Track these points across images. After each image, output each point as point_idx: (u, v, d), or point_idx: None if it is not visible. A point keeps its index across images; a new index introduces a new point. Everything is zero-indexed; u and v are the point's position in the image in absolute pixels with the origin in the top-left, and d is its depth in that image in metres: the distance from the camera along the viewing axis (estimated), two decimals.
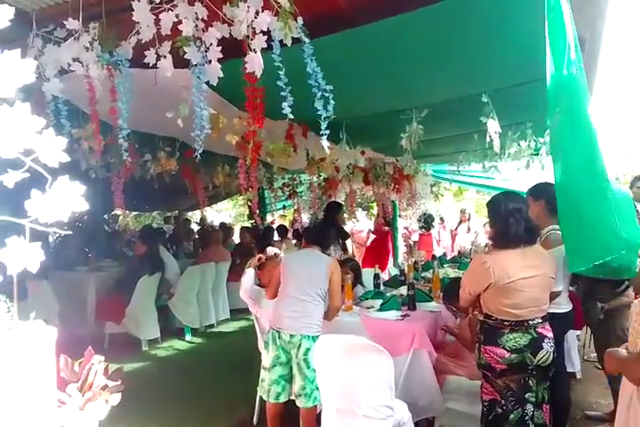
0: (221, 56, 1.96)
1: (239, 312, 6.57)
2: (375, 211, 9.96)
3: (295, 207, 7.42)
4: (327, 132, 1.93)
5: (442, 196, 12.63)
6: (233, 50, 1.91)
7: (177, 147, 4.89)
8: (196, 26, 1.90)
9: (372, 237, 9.38)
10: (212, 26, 1.93)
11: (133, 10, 1.90)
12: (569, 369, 3.85)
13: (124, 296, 5.40)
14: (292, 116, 1.90)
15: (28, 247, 0.96)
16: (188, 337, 5.96)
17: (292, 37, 1.84)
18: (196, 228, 10.92)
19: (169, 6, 1.89)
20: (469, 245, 7.49)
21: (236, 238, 8.98)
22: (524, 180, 5.22)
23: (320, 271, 3.01)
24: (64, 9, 2.25)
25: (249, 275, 3.49)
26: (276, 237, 8.36)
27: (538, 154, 4.96)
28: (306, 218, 7.66)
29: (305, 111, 1.93)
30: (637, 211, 3.20)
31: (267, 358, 3.02)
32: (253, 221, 7.67)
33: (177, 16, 1.88)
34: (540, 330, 2.44)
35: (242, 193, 4.41)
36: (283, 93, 1.88)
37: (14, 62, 0.91)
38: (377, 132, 4.76)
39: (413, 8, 2.27)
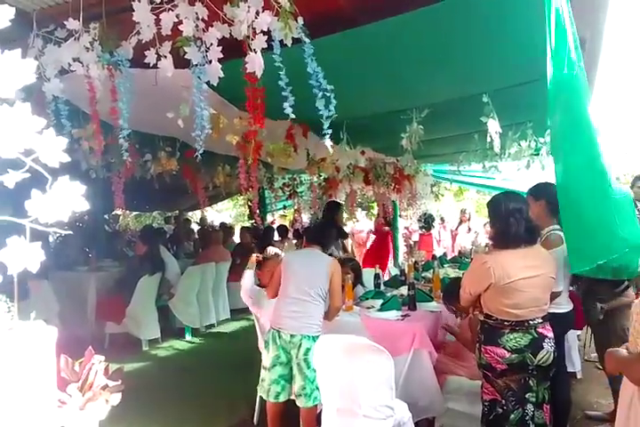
0: (222, 56, 1.96)
1: (239, 312, 6.57)
2: (375, 211, 9.97)
3: (295, 207, 7.42)
4: (330, 131, 1.93)
5: (442, 196, 12.63)
6: (233, 50, 1.91)
7: (177, 147, 4.90)
8: (197, 26, 1.90)
9: (373, 237, 9.39)
10: (212, 26, 1.93)
11: (134, 10, 1.90)
12: (569, 369, 3.86)
13: (125, 296, 5.40)
14: (293, 116, 1.90)
15: (28, 247, 0.96)
16: (189, 337, 5.97)
17: (292, 37, 1.84)
18: (196, 228, 10.92)
19: (169, 6, 1.89)
20: (470, 245, 7.49)
21: (237, 238, 8.97)
22: (525, 180, 5.21)
23: (321, 271, 3.01)
24: (64, 9, 2.25)
25: (248, 276, 3.49)
26: (276, 236, 8.36)
27: (538, 154, 4.96)
28: (306, 218, 7.67)
29: (305, 111, 1.93)
30: (638, 211, 3.20)
31: (267, 357, 3.03)
32: (253, 221, 7.67)
33: (177, 16, 1.88)
34: (540, 330, 2.44)
35: (242, 193, 4.42)
36: (284, 93, 1.88)
37: (15, 62, 0.91)
38: (377, 132, 4.76)
39: (414, 8, 2.27)
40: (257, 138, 2.25)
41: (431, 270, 4.90)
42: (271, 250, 5.75)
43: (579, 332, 4.45)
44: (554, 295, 2.63)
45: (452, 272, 5.20)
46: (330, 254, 3.49)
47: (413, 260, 5.61)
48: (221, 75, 1.99)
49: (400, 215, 8.54)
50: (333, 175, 5.47)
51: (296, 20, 1.82)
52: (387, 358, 2.40)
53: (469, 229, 8.89)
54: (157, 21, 1.90)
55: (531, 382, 2.45)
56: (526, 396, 2.45)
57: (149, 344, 5.53)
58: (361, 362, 2.43)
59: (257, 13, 1.79)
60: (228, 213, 18.13)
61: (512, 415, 2.44)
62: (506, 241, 2.47)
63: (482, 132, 3.94)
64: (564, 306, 2.92)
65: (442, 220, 9.77)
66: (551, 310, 2.57)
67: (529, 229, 2.47)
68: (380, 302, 3.78)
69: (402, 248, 8.91)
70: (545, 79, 2.20)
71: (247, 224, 10.19)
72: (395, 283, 4.81)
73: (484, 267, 2.43)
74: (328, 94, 1.87)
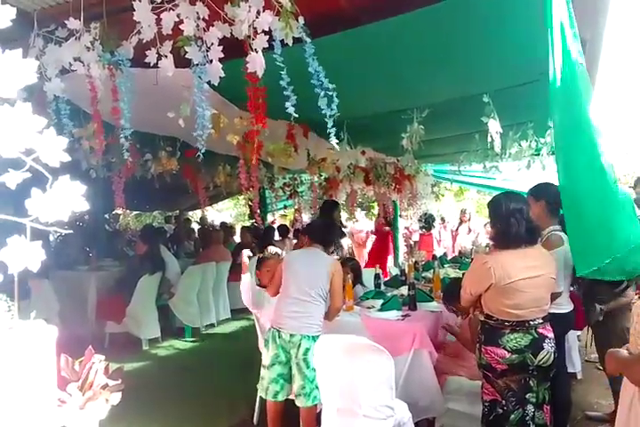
0: (222, 56, 1.96)
1: (240, 312, 6.57)
2: (376, 211, 9.97)
3: (296, 207, 7.43)
4: (333, 130, 1.93)
5: (443, 196, 12.65)
6: (234, 49, 1.91)
7: (178, 146, 4.90)
8: (197, 25, 1.90)
9: (372, 237, 9.40)
10: (213, 25, 1.93)
11: (134, 10, 1.90)
12: (570, 370, 3.85)
13: (125, 296, 5.40)
14: (296, 116, 1.90)
15: (28, 246, 0.96)
16: (189, 337, 5.97)
17: (293, 37, 1.84)
18: (196, 227, 10.92)
19: (170, 6, 1.89)
20: (470, 246, 7.49)
21: (237, 238, 8.98)
22: (525, 180, 5.21)
23: (321, 271, 3.01)
24: (65, 9, 2.25)
25: (245, 283, 3.46)
26: (277, 236, 8.37)
27: (539, 154, 4.96)
28: (307, 218, 7.66)
29: (306, 111, 1.93)
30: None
31: (266, 356, 3.03)
32: (254, 220, 7.67)
33: (178, 16, 1.88)
34: (540, 330, 2.44)
35: (243, 193, 4.42)
36: (285, 93, 1.88)
37: (16, 62, 0.91)
38: (378, 132, 4.77)
39: (414, 8, 2.27)
40: (258, 138, 2.24)
41: (431, 270, 4.89)
42: (271, 249, 5.75)
43: (579, 332, 4.45)
44: (554, 296, 2.63)
45: (453, 272, 5.20)
46: (332, 253, 3.48)
47: (414, 260, 5.61)
48: (222, 74, 2.00)
49: (400, 215, 8.55)
50: (334, 175, 5.48)
51: (297, 20, 1.82)
52: (387, 358, 2.40)
53: (470, 230, 8.89)
54: (158, 21, 1.90)
55: (531, 382, 2.45)
56: (526, 396, 2.45)
57: (149, 344, 5.53)
58: (361, 362, 2.43)
59: (258, 13, 1.79)
60: (228, 212, 18.14)
61: (512, 416, 2.44)
62: (506, 241, 2.47)
63: (482, 132, 3.95)
64: (564, 306, 2.92)
65: (442, 220, 9.77)
66: (552, 311, 2.57)
67: (529, 229, 2.47)
68: (381, 302, 3.78)
69: (402, 248, 8.91)
70: (545, 79, 2.20)
71: (247, 224, 10.20)
72: (395, 283, 4.81)
73: (484, 267, 2.43)
74: (330, 93, 1.87)
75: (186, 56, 1.93)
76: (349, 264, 4.17)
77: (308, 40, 1.86)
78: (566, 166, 2.25)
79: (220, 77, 2.01)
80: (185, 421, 3.56)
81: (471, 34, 2.62)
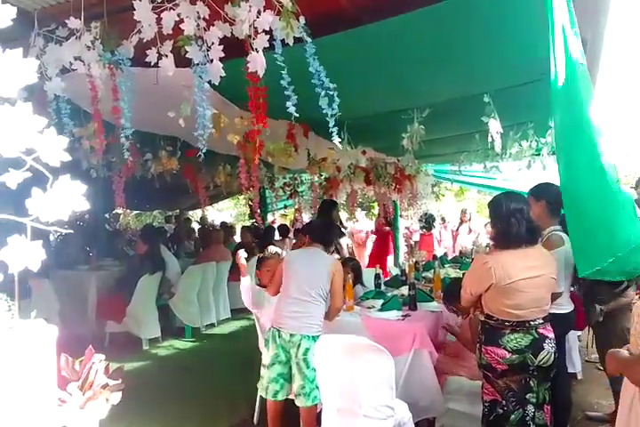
0: (223, 55, 1.96)
1: (240, 312, 6.57)
2: (376, 211, 9.98)
3: (296, 207, 7.43)
4: (336, 129, 1.93)
5: (443, 196, 12.64)
6: (234, 49, 1.91)
7: (178, 146, 4.90)
8: (198, 25, 1.90)
9: (372, 237, 9.41)
10: (213, 25, 1.93)
11: (135, 9, 1.90)
12: (570, 370, 3.85)
13: (125, 295, 5.40)
14: (297, 115, 1.90)
15: (29, 246, 0.96)
16: (189, 336, 5.96)
17: (294, 37, 1.84)
18: (197, 227, 10.93)
19: (170, 5, 1.89)
20: (471, 246, 7.49)
21: (238, 238, 8.98)
22: (526, 180, 5.21)
23: (322, 271, 3.01)
24: (66, 8, 2.25)
25: (245, 285, 3.45)
26: (277, 236, 8.37)
27: (539, 154, 4.96)
28: (307, 217, 7.67)
29: (306, 111, 1.93)
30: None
31: (266, 356, 3.03)
32: (254, 220, 7.68)
33: (178, 15, 1.88)
34: (541, 331, 2.44)
35: (243, 192, 4.42)
36: (286, 93, 1.88)
37: (16, 62, 0.91)
38: (378, 132, 4.77)
39: (415, 8, 2.27)
40: (259, 137, 2.24)
41: (432, 270, 4.89)
42: (271, 249, 5.74)
43: (579, 332, 4.45)
44: (555, 296, 2.63)
45: (453, 272, 5.20)
46: (333, 253, 3.48)
47: (414, 260, 5.61)
48: (223, 74, 1.99)
49: (401, 215, 8.54)
50: (334, 175, 5.48)
51: (298, 20, 1.82)
52: (387, 357, 2.40)
53: (470, 230, 8.89)
54: (158, 20, 1.90)
55: (531, 382, 2.45)
56: (527, 396, 2.45)
57: (150, 343, 5.53)
58: (361, 362, 2.43)
59: (258, 13, 1.79)
60: (228, 212, 18.14)
61: (512, 416, 2.44)
62: (507, 241, 2.46)
63: (483, 132, 3.94)
64: (564, 306, 2.92)
65: (443, 220, 9.77)
66: (552, 311, 2.57)
67: (530, 229, 2.46)
68: (381, 301, 3.77)
69: (402, 248, 8.91)
70: (546, 79, 2.19)
71: (248, 224, 10.20)
72: (395, 283, 4.81)
73: (484, 267, 2.42)
74: (331, 93, 1.87)
75: (186, 55, 1.93)
76: (350, 264, 4.17)
77: (309, 40, 1.86)
78: (567, 166, 2.25)
79: (221, 77, 2.01)
80: (185, 420, 3.56)
81: (472, 33, 2.62)
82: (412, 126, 3.98)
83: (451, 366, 3.21)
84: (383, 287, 4.53)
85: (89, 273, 5.89)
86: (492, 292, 2.44)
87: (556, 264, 2.56)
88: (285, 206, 10.73)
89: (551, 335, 2.47)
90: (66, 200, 0.97)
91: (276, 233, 8.49)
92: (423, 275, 5.14)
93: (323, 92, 1.88)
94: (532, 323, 2.43)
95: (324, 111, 1.91)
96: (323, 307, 3.01)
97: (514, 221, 2.44)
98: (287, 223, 9.75)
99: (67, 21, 2.15)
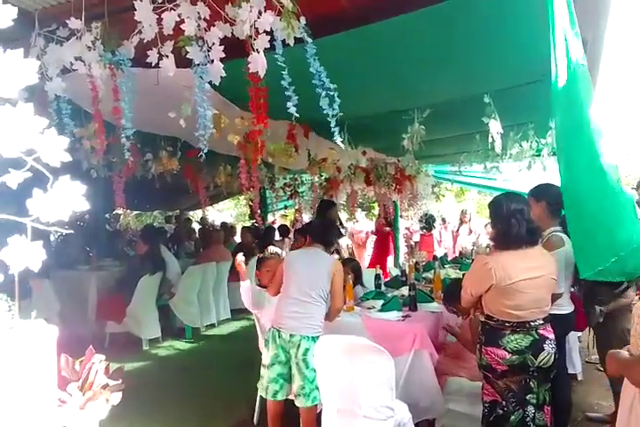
0: (224, 56, 1.96)
1: (240, 312, 6.57)
2: (376, 211, 9.98)
3: (296, 207, 7.44)
4: (337, 129, 1.93)
5: (443, 196, 12.63)
6: (235, 49, 1.91)
7: (179, 146, 4.91)
8: (199, 25, 1.90)
9: (372, 237, 9.42)
10: (214, 25, 1.93)
11: (135, 9, 1.90)
12: (570, 371, 3.85)
13: (125, 296, 5.40)
14: (297, 115, 1.90)
15: (29, 246, 0.96)
16: (189, 337, 5.96)
17: (294, 37, 1.84)
18: (197, 227, 10.92)
19: (171, 6, 1.89)
20: (471, 246, 7.49)
21: (238, 238, 8.98)
22: (526, 181, 5.21)
23: (322, 272, 3.01)
24: (66, 8, 2.25)
25: (245, 287, 3.46)
26: (277, 236, 8.37)
27: (539, 155, 4.96)
28: (307, 218, 7.67)
29: (307, 111, 1.93)
30: None
31: (266, 356, 3.04)
32: (254, 220, 7.68)
33: (179, 16, 1.88)
34: (541, 331, 2.44)
35: (243, 193, 4.42)
36: (287, 93, 1.88)
37: (17, 62, 0.91)
38: (379, 132, 4.77)
39: (416, 8, 2.27)
40: (259, 138, 2.24)
41: (432, 271, 4.89)
42: (271, 249, 5.74)
43: (579, 333, 4.44)
44: (555, 297, 2.62)
45: (453, 273, 5.19)
46: (333, 253, 3.48)
47: (414, 260, 5.61)
48: (223, 74, 1.99)
49: (401, 216, 8.55)
50: (334, 175, 5.48)
51: (298, 20, 1.82)
52: (387, 358, 2.40)
53: (470, 231, 8.89)
54: (159, 21, 1.90)
55: (531, 383, 2.45)
56: (527, 397, 2.45)
57: (150, 344, 5.53)
58: (361, 363, 2.43)
59: (259, 13, 1.79)
60: (229, 212, 18.14)
61: (512, 417, 2.44)
62: (507, 242, 2.46)
63: (483, 132, 3.95)
64: (565, 307, 2.92)
65: (443, 220, 9.77)
66: (552, 312, 2.57)
67: (530, 230, 2.46)
68: (381, 302, 3.77)
69: (403, 249, 8.91)
70: (547, 80, 2.20)
71: (248, 224, 10.20)
72: (395, 283, 4.81)
73: (485, 268, 2.42)
74: (332, 93, 1.87)
75: (187, 56, 1.93)
76: (350, 264, 4.17)
77: (310, 40, 1.86)
78: (567, 167, 2.25)
79: (221, 77, 2.01)
80: (185, 421, 3.56)
81: (473, 34, 2.62)
82: (412, 127, 3.98)
83: (451, 366, 3.21)
84: (383, 288, 4.53)
85: (89, 273, 5.88)
86: (492, 292, 2.44)
87: (557, 265, 2.56)
88: (286, 207, 10.73)
89: (551, 336, 2.47)
90: (66, 200, 0.97)
91: (277, 233, 8.48)
92: (423, 275, 5.14)
93: (323, 93, 1.88)
94: (532, 324, 2.43)
95: (325, 112, 1.91)
96: (323, 307, 3.01)
97: (514, 222, 2.44)
98: (287, 224, 9.75)
99: (67, 22, 2.15)
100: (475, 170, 6.17)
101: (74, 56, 2.20)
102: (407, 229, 9.33)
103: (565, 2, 2.05)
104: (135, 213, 13.34)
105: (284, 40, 1.83)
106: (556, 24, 2.05)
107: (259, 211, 5.94)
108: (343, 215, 7.72)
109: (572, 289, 3.22)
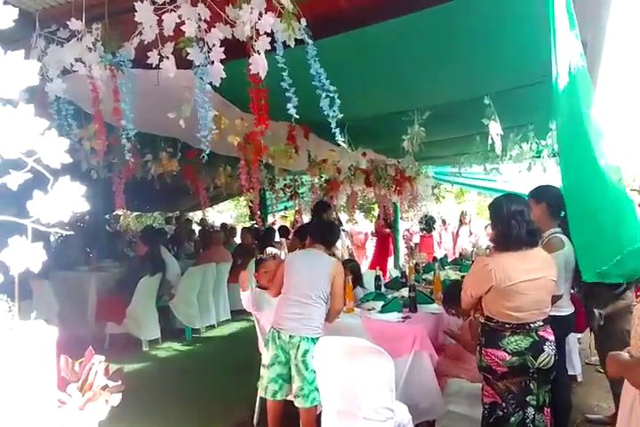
0: (224, 57, 1.96)
1: (240, 313, 6.57)
2: (376, 213, 9.99)
3: (296, 208, 7.43)
4: (338, 130, 1.93)
5: (443, 198, 12.64)
6: (235, 50, 1.91)
7: (179, 147, 4.90)
8: (199, 27, 1.90)
9: (372, 238, 9.42)
10: (214, 27, 1.93)
11: (136, 11, 1.90)
12: (570, 372, 3.85)
13: (125, 296, 5.40)
14: (297, 117, 1.90)
15: (30, 247, 0.96)
16: (189, 338, 5.96)
17: (295, 39, 1.84)
18: (197, 228, 10.92)
19: (171, 7, 1.89)
20: (471, 248, 7.49)
21: (238, 239, 8.98)
22: (526, 182, 5.21)
23: (322, 273, 3.01)
24: (67, 9, 2.25)
25: (245, 296, 3.48)
26: (277, 237, 8.36)
27: (539, 156, 4.96)
28: (307, 219, 7.67)
29: (307, 112, 1.93)
30: None
31: (266, 356, 3.04)
32: (254, 221, 7.68)
33: (180, 17, 1.88)
34: (541, 333, 2.44)
35: (243, 194, 4.42)
36: (287, 95, 1.88)
37: (18, 63, 0.91)
38: (379, 133, 4.77)
39: (415, 10, 2.27)
40: (259, 139, 2.25)
41: (432, 272, 4.89)
42: (269, 251, 5.74)
43: (579, 335, 4.44)
44: (555, 299, 2.62)
45: (453, 274, 5.20)
46: (333, 254, 3.48)
47: (414, 262, 5.61)
48: (224, 75, 1.99)
49: (401, 217, 8.55)
50: (334, 177, 5.48)
51: (299, 22, 1.82)
52: (387, 359, 2.40)
53: (470, 233, 8.90)
54: (160, 22, 1.90)
55: (531, 385, 2.44)
56: (527, 399, 2.44)
57: (149, 345, 5.53)
58: (361, 364, 2.43)
59: (260, 15, 1.79)
60: (229, 213, 18.14)
61: (512, 418, 2.43)
62: (507, 243, 2.46)
63: (483, 134, 3.95)
64: (565, 309, 2.92)
65: (443, 222, 9.77)
66: (552, 313, 2.56)
67: (530, 231, 2.46)
68: (381, 303, 3.78)
69: (402, 250, 8.92)
70: (547, 81, 2.20)
71: (248, 225, 10.20)
72: (395, 285, 4.81)
73: (485, 269, 2.42)
74: (332, 95, 1.87)
75: (187, 57, 1.93)
76: (349, 266, 4.17)
77: (310, 42, 1.86)
78: (569, 168, 2.25)
79: (222, 78, 2.01)
80: (185, 422, 3.56)
81: (473, 35, 2.62)
82: (412, 128, 3.98)
83: (451, 368, 3.21)
84: (383, 289, 4.53)
85: (89, 274, 5.88)
86: (492, 294, 2.44)
87: (557, 267, 2.56)
88: (286, 208, 10.73)
89: (551, 338, 2.47)
90: (66, 201, 0.97)
91: (277, 235, 8.48)
92: (423, 277, 5.14)
93: (324, 94, 1.88)
94: (532, 325, 2.42)
95: (325, 113, 1.91)
96: (323, 309, 3.01)
97: (514, 224, 2.44)
98: (287, 225, 9.75)
99: (68, 23, 2.15)
100: (475, 171, 6.18)
101: (74, 57, 2.20)
102: (407, 230, 9.34)
103: (565, 3, 2.05)
104: (135, 214, 13.33)
105: (285, 41, 1.83)
106: (557, 25, 2.05)
107: (259, 212, 5.94)
108: (343, 216, 7.73)
109: (572, 291, 3.22)
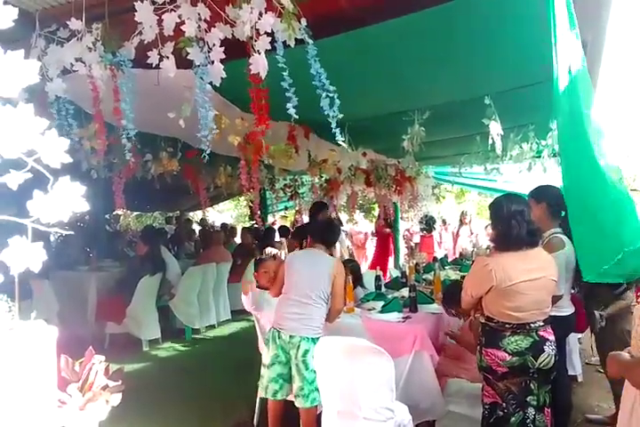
0: (224, 57, 1.96)
1: (240, 313, 6.56)
2: (377, 213, 9.99)
3: (297, 208, 7.43)
4: (338, 130, 1.93)
5: (443, 198, 12.64)
6: (235, 50, 1.91)
7: (179, 147, 4.90)
8: (199, 26, 1.90)
9: (372, 238, 9.42)
10: (214, 27, 1.93)
11: (136, 10, 1.90)
12: (570, 372, 3.85)
13: (125, 296, 5.40)
14: (296, 117, 1.90)
15: (30, 247, 0.96)
16: (189, 338, 5.96)
17: (295, 38, 1.84)
18: (197, 228, 10.93)
19: (172, 7, 1.89)
20: (471, 248, 7.49)
21: (238, 239, 8.98)
22: (526, 182, 5.21)
23: (323, 273, 3.01)
24: (67, 9, 2.25)
25: (246, 301, 3.50)
26: (277, 237, 8.36)
27: (540, 156, 4.96)
28: (307, 219, 7.67)
29: (307, 112, 1.93)
30: None
31: (266, 355, 3.04)
32: (254, 221, 7.68)
33: (180, 17, 1.88)
34: (541, 333, 2.43)
35: (243, 194, 4.42)
36: (287, 95, 1.88)
37: (18, 63, 0.91)
38: (379, 133, 4.77)
39: (416, 9, 2.27)
40: (260, 138, 2.25)
41: (432, 272, 4.89)
42: (268, 251, 5.74)
43: (580, 335, 4.43)
44: (555, 299, 2.62)
45: (453, 274, 5.19)
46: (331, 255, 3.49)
47: (414, 262, 5.61)
48: (224, 75, 1.99)
49: (401, 217, 8.55)
50: (335, 177, 5.48)
51: (299, 21, 1.82)
52: (387, 359, 2.39)
53: (471, 233, 8.89)
54: (160, 22, 1.90)
55: (532, 385, 2.44)
56: (527, 399, 2.44)
57: (150, 345, 5.53)
58: (361, 364, 2.43)
59: (260, 14, 1.79)
60: (229, 213, 18.14)
61: (513, 419, 2.43)
62: (507, 243, 2.46)
63: (483, 134, 3.95)
64: (565, 309, 2.92)
65: (443, 222, 9.77)
66: (552, 313, 2.56)
67: (531, 231, 2.46)
68: (381, 303, 3.77)
69: (403, 250, 8.92)
70: (547, 82, 2.20)
71: (248, 225, 10.20)
72: (396, 285, 4.81)
73: (485, 269, 2.42)
74: (332, 95, 1.87)
75: (187, 57, 1.93)
76: (349, 266, 4.17)
77: (311, 42, 1.86)
78: (569, 168, 2.25)
79: (222, 78, 2.01)
80: (185, 422, 3.55)
81: (473, 36, 2.62)
82: (412, 128, 3.98)
83: (451, 368, 3.21)
84: (383, 289, 4.53)
85: (89, 274, 5.88)
86: (492, 294, 2.43)
87: (557, 267, 2.56)
88: (286, 208, 10.74)
89: (552, 338, 2.46)
90: (66, 201, 0.97)
91: (277, 234, 8.48)
92: (423, 277, 5.13)
93: (324, 94, 1.88)
94: (532, 325, 2.42)
95: (326, 113, 1.91)
96: (324, 309, 3.01)
97: (514, 223, 2.43)
98: (287, 225, 9.75)
99: (68, 22, 2.14)
100: (475, 171, 6.18)
101: (74, 57, 2.20)
102: (407, 230, 9.34)
103: (565, 2, 2.05)
104: (135, 213, 13.33)
105: (285, 41, 1.83)
106: (557, 25, 2.05)
107: (259, 212, 5.94)
108: (343, 217, 7.73)
109: (573, 291, 3.22)
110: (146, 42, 1.98)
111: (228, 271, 6.70)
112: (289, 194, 7.39)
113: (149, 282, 5.50)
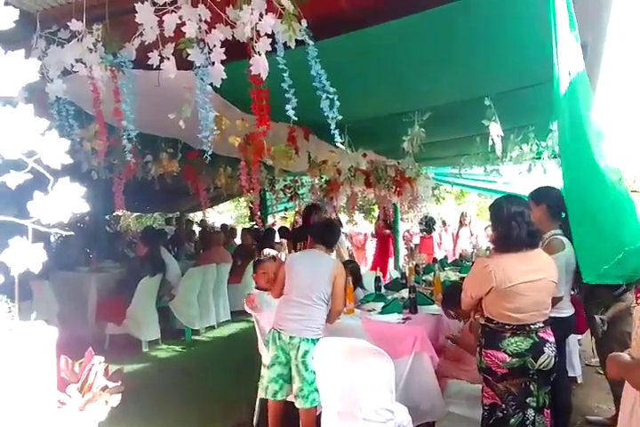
0: (224, 58, 1.96)
1: (239, 314, 6.56)
2: (376, 214, 10.00)
3: (297, 209, 7.44)
4: (337, 131, 1.94)
5: (443, 199, 12.64)
6: (236, 51, 1.91)
7: (179, 148, 4.91)
8: (200, 28, 1.90)
9: (371, 239, 9.42)
10: (215, 28, 1.93)
11: (137, 12, 1.90)
12: (570, 374, 3.84)
13: (125, 297, 5.40)
14: (296, 119, 1.90)
15: (30, 248, 0.96)
16: (189, 339, 5.96)
17: (295, 40, 1.84)
18: (197, 229, 10.92)
19: (172, 8, 1.89)
20: (471, 249, 7.49)
21: (238, 240, 8.98)
22: (526, 183, 5.21)
23: (323, 274, 3.01)
24: (67, 10, 2.25)
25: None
26: (277, 238, 8.37)
27: (540, 157, 4.96)
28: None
29: (307, 113, 1.93)
30: None
31: (266, 356, 3.04)
32: (254, 222, 7.68)
33: (180, 18, 1.88)
34: (541, 334, 2.43)
35: (243, 194, 4.43)
36: (287, 96, 1.88)
37: (18, 63, 0.91)
38: (379, 134, 4.77)
39: (415, 11, 2.27)
40: (260, 139, 2.25)
41: (432, 273, 4.89)
42: (266, 252, 5.74)
43: (579, 336, 4.43)
44: (555, 300, 2.62)
45: (453, 275, 5.19)
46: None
47: (414, 263, 5.61)
48: (224, 76, 2.00)
49: (401, 218, 8.55)
50: (335, 177, 5.48)
51: (300, 23, 1.82)
52: (387, 361, 2.39)
53: (471, 234, 8.90)
54: (160, 23, 1.90)
55: (531, 386, 2.44)
56: (527, 400, 2.44)
57: (149, 345, 5.53)
58: (361, 365, 2.43)
59: (260, 16, 1.79)
60: (229, 214, 18.14)
61: (512, 420, 2.43)
62: (507, 245, 2.46)
63: (483, 135, 3.95)
64: (565, 310, 2.92)
65: (443, 223, 9.77)
66: (552, 315, 2.56)
67: (530, 232, 2.46)
68: (381, 305, 3.77)
69: (403, 251, 8.92)
70: (548, 83, 2.20)
71: (248, 226, 10.20)
72: (395, 286, 4.81)
73: (485, 270, 2.42)
74: (331, 96, 1.87)
75: (188, 58, 1.93)
76: (349, 267, 4.17)
77: (311, 43, 1.87)
78: (569, 170, 2.25)
79: (222, 79, 2.01)
80: (184, 423, 3.55)
81: (474, 37, 2.62)
82: (412, 129, 3.98)
83: (451, 369, 3.21)
84: (383, 290, 4.53)
85: (89, 275, 5.88)
86: (492, 295, 2.43)
87: (557, 268, 2.56)
88: (286, 209, 10.73)
89: (551, 339, 2.46)
90: (66, 202, 0.97)
91: (277, 235, 8.49)
92: (423, 278, 5.13)
93: (324, 95, 1.88)
94: (532, 326, 2.42)
95: (326, 114, 1.91)
96: (324, 310, 3.01)
97: (514, 225, 2.43)
98: (287, 226, 9.76)
99: (69, 23, 2.15)
100: (475, 172, 6.18)
101: (75, 58, 2.20)
102: (407, 231, 9.34)
103: (565, 4, 2.05)
104: (135, 214, 13.33)
105: (285, 42, 1.83)
106: (558, 26, 2.05)
107: (259, 213, 5.94)
108: (343, 218, 7.73)
109: (572, 292, 3.22)
110: (146, 43, 1.98)
111: (228, 272, 6.70)
112: (289, 195, 7.39)
113: (149, 283, 5.50)
